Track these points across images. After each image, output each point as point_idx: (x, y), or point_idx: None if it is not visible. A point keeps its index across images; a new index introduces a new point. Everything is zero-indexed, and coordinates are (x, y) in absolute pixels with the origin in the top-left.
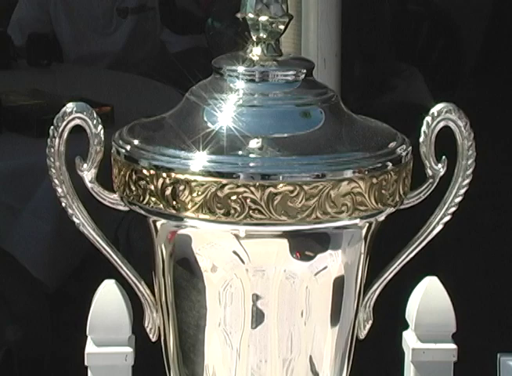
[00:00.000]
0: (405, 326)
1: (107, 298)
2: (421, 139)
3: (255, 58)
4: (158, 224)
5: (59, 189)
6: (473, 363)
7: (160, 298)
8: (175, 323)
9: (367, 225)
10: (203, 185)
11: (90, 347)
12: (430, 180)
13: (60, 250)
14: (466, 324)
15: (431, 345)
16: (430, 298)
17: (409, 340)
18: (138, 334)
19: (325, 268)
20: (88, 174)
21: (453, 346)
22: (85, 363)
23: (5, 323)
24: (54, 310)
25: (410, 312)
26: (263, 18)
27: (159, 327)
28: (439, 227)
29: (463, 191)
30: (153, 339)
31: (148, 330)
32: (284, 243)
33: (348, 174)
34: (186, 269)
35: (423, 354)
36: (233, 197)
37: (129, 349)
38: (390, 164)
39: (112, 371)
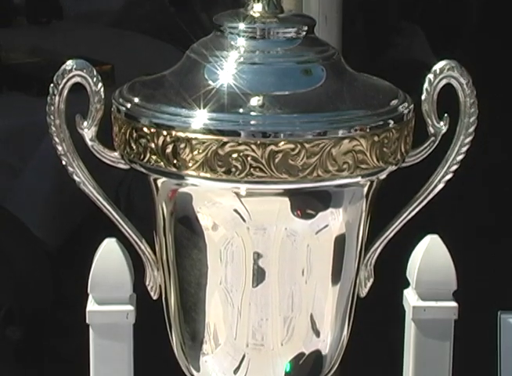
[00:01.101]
0: (406, 284)
1: (108, 257)
2: (423, 97)
3: (256, 15)
4: (159, 182)
5: (60, 148)
6: (473, 321)
7: (161, 256)
8: (176, 282)
9: (368, 183)
10: (203, 143)
11: (91, 305)
12: (432, 138)
13: (61, 209)
14: (466, 282)
15: (432, 303)
16: (431, 256)
17: (410, 298)
18: (140, 293)
19: (326, 226)
20: (88, 132)
21: (454, 304)
22: (86, 321)
23: (6, 281)
24: (55, 269)
25: (411, 270)
26: None
27: (160, 286)
28: (441, 185)
29: (464, 149)
30: (154, 297)
31: (149, 288)
32: (285, 201)
33: (350, 132)
34: (187, 228)
35: (423, 312)
36: (234, 155)
37: (130, 307)
38: (391, 121)
39: (113, 329)
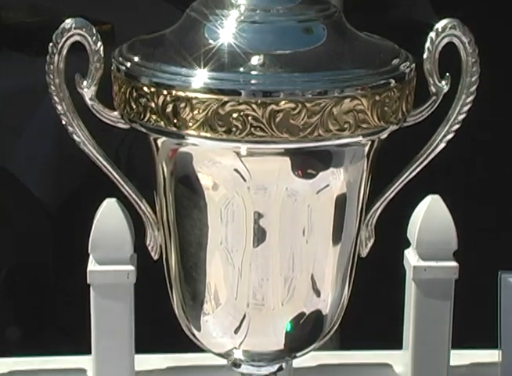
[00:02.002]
0: (407, 244)
1: (109, 217)
2: (425, 56)
3: None
4: (159, 142)
5: (59, 107)
6: (474, 280)
7: (162, 216)
8: (177, 242)
9: (369, 143)
10: (204, 102)
11: (92, 265)
12: (434, 97)
13: (61, 169)
14: (467, 242)
15: (433, 263)
16: (431, 216)
17: (411, 258)
18: (140, 253)
19: (327, 186)
20: (87, 91)
21: (454, 264)
22: (87, 281)
23: (6, 242)
24: (55, 229)
25: (412, 230)
26: None
27: (160, 246)
28: (442, 145)
29: (466, 108)
30: (155, 257)
31: (150, 248)
32: (286, 161)
33: (351, 91)
34: (187, 188)
35: (424, 272)
36: (235, 115)
37: (131, 267)
38: (393, 81)
39: (114, 289)
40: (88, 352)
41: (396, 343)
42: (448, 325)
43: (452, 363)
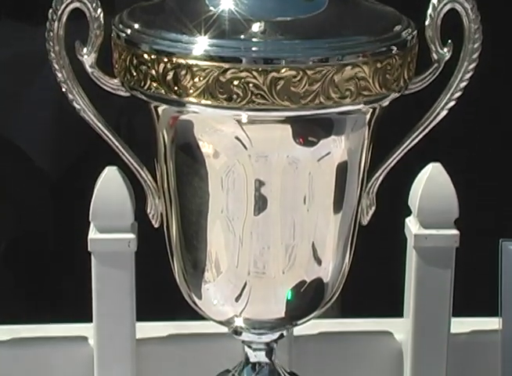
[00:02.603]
0: (408, 212)
1: (109, 185)
2: (427, 23)
3: None
4: (159, 109)
5: (59, 74)
6: (475, 248)
7: (163, 184)
8: (178, 210)
9: (371, 110)
10: (204, 70)
11: (93, 233)
12: (436, 65)
13: (62, 138)
14: (468, 210)
15: (434, 231)
16: (433, 184)
17: (412, 226)
18: (141, 221)
19: (328, 153)
20: (88, 59)
21: (455, 232)
22: (88, 249)
23: (7, 212)
24: (56, 198)
25: (413, 198)
26: None
27: (161, 214)
28: (444, 113)
29: (468, 76)
30: (156, 225)
31: (150, 216)
32: (287, 128)
33: (352, 58)
34: (188, 155)
35: (425, 240)
36: (235, 82)
37: (132, 236)
38: (395, 48)
39: (115, 257)
40: (89, 319)
41: (397, 311)
42: (449, 293)
43: (453, 330)
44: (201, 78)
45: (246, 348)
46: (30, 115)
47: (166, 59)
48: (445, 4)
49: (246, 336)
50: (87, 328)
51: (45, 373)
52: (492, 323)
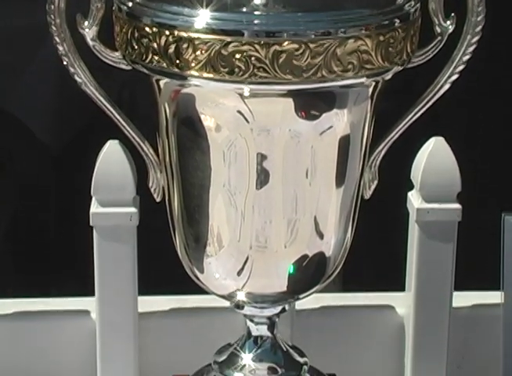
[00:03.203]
0: (410, 186)
1: (111, 158)
2: None
3: None
4: (161, 83)
5: (60, 47)
6: (477, 222)
7: (164, 158)
8: (180, 184)
9: (373, 84)
10: (206, 43)
11: (94, 207)
12: (439, 38)
13: (64, 111)
14: (471, 184)
15: (436, 205)
16: (435, 158)
17: (414, 200)
18: (143, 195)
19: (330, 127)
20: (89, 32)
21: (458, 206)
22: (90, 224)
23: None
24: (59, 172)
25: (415, 172)
26: None
27: (163, 188)
28: (446, 86)
29: (471, 49)
30: (158, 199)
31: (152, 190)
32: (289, 102)
33: (355, 31)
34: (190, 129)
35: (427, 214)
36: (237, 56)
37: (134, 209)
38: (397, 21)
39: (117, 231)
40: (91, 294)
41: (399, 285)
42: (451, 267)
43: (455, 304)
44: (203, 52)
45: (248, 322)
46: (31, 89)
47: (167, 33)
48: None
49: (248, 310)
50: (89, 302)
51: (47, 347)
52: (494, 297)
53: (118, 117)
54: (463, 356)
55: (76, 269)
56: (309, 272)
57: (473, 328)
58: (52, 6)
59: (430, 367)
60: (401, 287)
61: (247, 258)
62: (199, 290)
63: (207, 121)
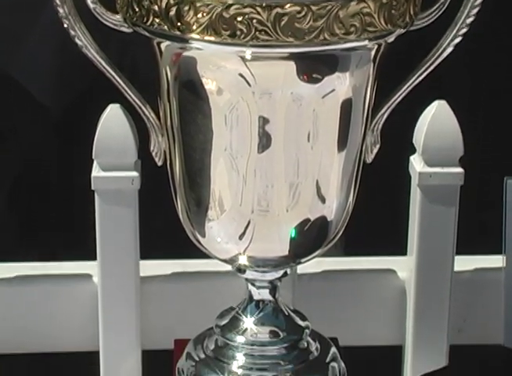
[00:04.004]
0: (413, 150)
1: (112, 122)
2: None
3: None
4: (162, 46)
5: (61, 10)
6: (479, 186)
7: (166, 122)
8: (181, 148)
9: (376, 47)
10: (208, 5)
11: (96, 171)
12: (442, 0)
13: (65, 75)
14: (473, 148)
15: (438, 169)
16: (438, 121)
17: (416, 164)
18: (145, 159)
19: (332, 90)
20: None
21: (460, 170)
22: (92, 187)
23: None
24: (60, 137)
25: (418, 136)
26: None
27: (165, 152)
28: (449, 49)
29: (475, 11)
30: (159, 163)
31: (154, 154)
32: (291, 65)
33: None
34: (192, 92)
35: (429, 178)
36: (239, 18)
37: (135, 173)
38: None
39: (118, 195)
40: (93, 258)
41: (400, 249)
42: (453, 231)
43: (457, 268)
44: (204, 14)
45: (250, 286)
46: (32, 52)
47: None
48: None
49: (249, 274)
50: (91, 266)
51: (49, 311)
52: (496, 261)
53: (119, 80)
54: (465, 319)
55: (78, 233)
56: (311, 236)
57: (474, 292)
58: None
59: (431, 331)
60: (403, 251)
61: (249, 222)
62: (201, 254)
63: (209, 85)
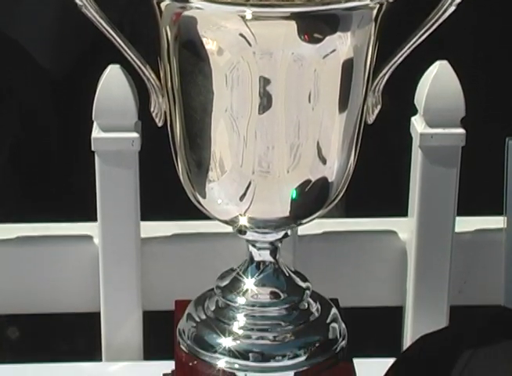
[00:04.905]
0: (414, 111)
1: (112, 83)
2: None
3: None
4: (162, 5)
5: None
6: (481, 147)
7: (166, 83)
8: (182, 109)
9: (378, 6)
10: None
11: (96, 132)
12: None
13: (65, 36)
14: (475, 109)
15: (440, 130)
16: (440, 82)
17: (418, 125)
18: (145, 121)
19: (333, 50)
20: None
21: (462, 131)
22: (92, 149)
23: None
24: (60, 98)
25: (419, 96)
26: None
27: (165, 113)
28: (451, 9)
29: None
30: (159, 124)
31: (154, 115)
32: (292, 25)
33: None
34: (192, 53)
35: (431, 139)
36: None
37: (135, 135)
38: None
39: (119, 156)
40: (94, 219)
41: (401, 210)
42: (454, 192)
43: (457, 229)
44: None
45: (251, 248)
46: (31, 13)
47: None
48: None
49: (250, 235)
50: (92, 227)
51: (49, 272)
52: (497, 222)
53: (119, 40)
54: (465, 280)
55: (78, 194)
56: (312, 198)
57: (475, 253)
58: None
59: (432, 292)
60: (403, 213)
61: (250, 183)
62: (201, 215)
63: (209, 45)
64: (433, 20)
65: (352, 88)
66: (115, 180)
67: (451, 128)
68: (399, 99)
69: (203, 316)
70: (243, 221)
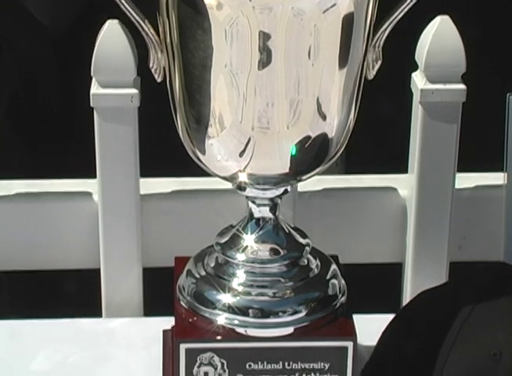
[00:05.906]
0: (415, 67)
1: (111, 38)
2: None
3: None
4: None
5: None
6: (482, 103)
7: (165, 39)
8: (181, 64)
9: None
10: None
11: (95, 88)
12: None
13: None
14: (476, 64)
15: (440, 86)
16: (440, 37)
17: (418, 81)
18: (145, 77)
19: (334, 5)
20: None
21: (462, 86)
22: (91, 105)
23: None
24: (60, 54)
25: (420, 52)
26: None
27: (164, 69)
28: None
29: None
30: (159, 80)
31: (153, 70)
32: None
33: None
34: (191, 7)
35: (431, 95)
36: None
37: (134, 91)
38: None
39: (118, 113)
40: (93, 175)
41: (401, 167)
42: (455, 148)
43: (457, 185)
44: None
45: (251, 204)
46: None
47: None
48: None
49: (250, 191)
50: (91, 184)
51: (49, 228)
52: (497, 178)
53: None
54: (465, 236)
55: (78, 150)
56: (311, 154)
57: (475, 209)
58: None
59: (431, 248)
60: (404, 169)
61: (249, 139)
62: (201, 172)
63: None
64: None
65: (352, 44)
66: (114, 137)
67: (451, 83)
68: (400, 54)
69: (203, 273)
70: (243, 177)
